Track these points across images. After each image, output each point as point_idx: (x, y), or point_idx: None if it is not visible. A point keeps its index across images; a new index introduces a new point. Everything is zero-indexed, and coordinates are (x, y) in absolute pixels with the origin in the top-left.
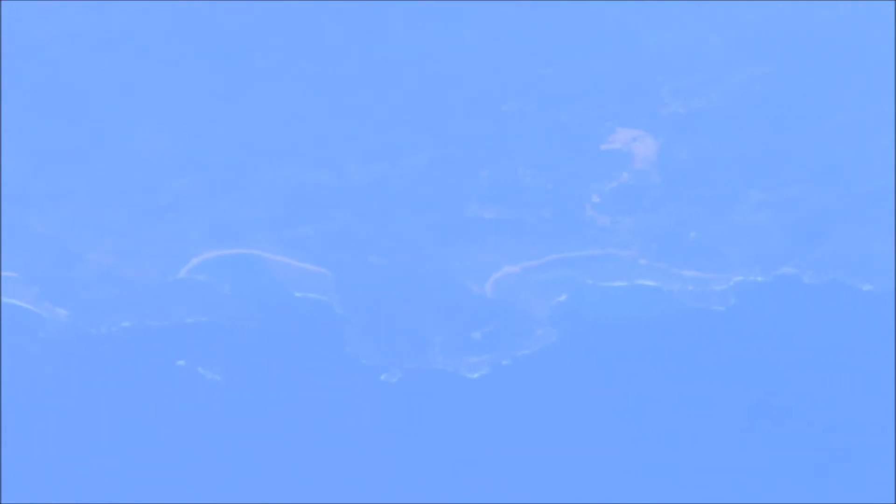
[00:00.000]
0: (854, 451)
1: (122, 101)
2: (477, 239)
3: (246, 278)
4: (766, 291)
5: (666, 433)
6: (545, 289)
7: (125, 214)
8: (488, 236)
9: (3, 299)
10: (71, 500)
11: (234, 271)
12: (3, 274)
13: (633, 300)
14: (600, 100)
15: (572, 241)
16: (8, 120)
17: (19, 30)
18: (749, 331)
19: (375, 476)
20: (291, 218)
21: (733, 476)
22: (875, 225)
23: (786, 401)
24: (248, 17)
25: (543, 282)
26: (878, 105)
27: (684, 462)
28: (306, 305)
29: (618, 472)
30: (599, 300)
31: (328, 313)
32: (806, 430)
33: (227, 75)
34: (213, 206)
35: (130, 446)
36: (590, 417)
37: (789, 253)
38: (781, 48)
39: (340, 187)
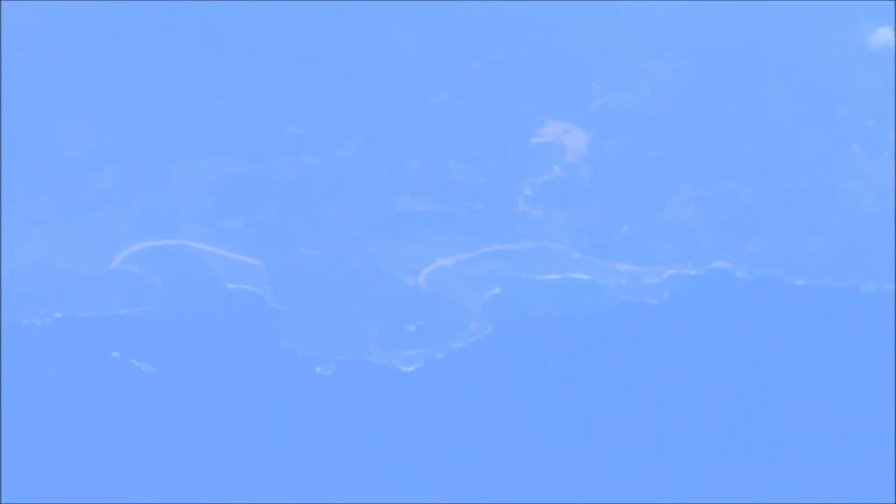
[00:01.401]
0: (785, 443)
1: (47, 95)
2: (409, 232)
3: (178, 269)
4: (699, 285)
5: (599, 425)
6: (478, 282)
7: (55, 206)
8: (420, 229)
9: None
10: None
11: (165, 262)
12: None
13: (566, 294)
14: (530, 93)
15: (505, 235)
16: None
17: None
18: (682, 324)
19: (309, 467)
20: (221, 209)
21: (663, 461)
22: (807, 220)
23: (719, 394)
24: (174, 10)
25: (476, 275)
26: (807, 101)
27: (617, 452)
28: (239, 297)
29: (551, 463)
30: (533, 293)
31: (261, 305)
32: (738, 421)
33: (154, 68)
34: (142, 197)
35: (64, 438)
36: (524, 410)
37: (722, 247)
38: (708, 43)
39: (270, 179)
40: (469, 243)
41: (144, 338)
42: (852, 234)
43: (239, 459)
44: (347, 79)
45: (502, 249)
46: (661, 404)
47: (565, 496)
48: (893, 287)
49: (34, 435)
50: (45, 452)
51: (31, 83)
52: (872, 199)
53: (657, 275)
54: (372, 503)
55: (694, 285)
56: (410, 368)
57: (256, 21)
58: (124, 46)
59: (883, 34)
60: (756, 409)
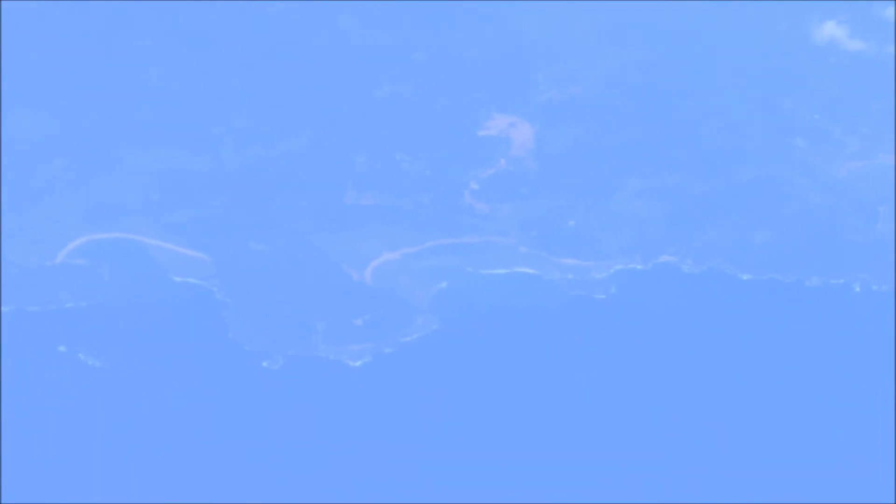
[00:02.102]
0: (735, 440)
1: None
2: (356, 225)
3: (124, 263)
4: (646, 279)
5: (547, 420)
6: (425, 276)
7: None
8: (367, 223)
9: None
10: None
11: (112, 256)
12: None
13: (513, 288)
14: (476, 85)
15: (451, 228)
16: None
17: None
18: (630, 319)
19: (257, 462)
20: (168, 202)
21: (611, 456)
22: (754, 214)
23: (666, 389)
24: (121, 1)
25: (423, 269)
26: (753, 94)
27: (564, 446)
28: (186, 291)
29: (499, 458)
30: (480, 288)
31: (209, 299)
32: (686, 418)
33: (100, 58)
34: (88, 189)
35: (10, 433)
36: (472, 405)
37: (668, 241)
38: (655, 35)
39: (216, 172)
40: (415, 237)
41: (91, 332)
42: (799, 228)
43: (186, 453)
44: (294, 71)
45: (449, 243)
46: (609, 399)
47: (513, 491)
48: (840, 282)
49: None
50: None
51: None
52: (819, 193)
53: (604, 269)
54: (319, 502)
55: (641, 280)
56: (358, 363)
57: (203, 12)
58: (71, 37)
59: (829, 28)
60: (704, 405)
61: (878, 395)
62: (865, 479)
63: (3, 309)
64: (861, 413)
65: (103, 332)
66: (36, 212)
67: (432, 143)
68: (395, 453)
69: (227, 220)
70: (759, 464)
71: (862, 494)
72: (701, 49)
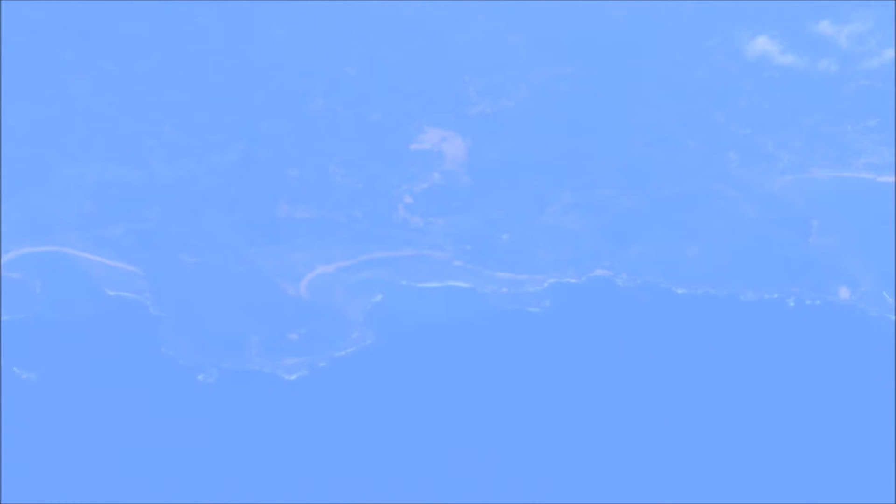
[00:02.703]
0: (671, 450)
1: None
2: (289, 239)
3: (58, 276)
4: (581, 293)
5: (481, 433)
6: (360, 289)
7: None
8: (300, 236)
9: None
10: None
11: (45, 269)
12: None
13: (448, 301)
14: (408, 99)
15: (385, 242)
16: None
17: None
18: (564, 332)
19: (192, 475)
20: (101, 215)
21: (545, 467)
22: (687, 228)
23: (601, 402)
24: (52, 13)
25: (358, 282)
26: (685, 108)
27: (498, 458)
28: (120, 304)
29: (432, 469)
30: (414, 301)
31: (142, 312)
32: (623, 429)
33: (33, 71)
34: (20, 203)
35: None
36: (407, 418)
37: (602, 255)
38: (584, 48)
39: (148, 185)
40: (349, 250)
41: (26, 345)
42: (732, 242)
43: (122, 467)
44: (225, 83)
45: (383, 257)
46: (544, 412)
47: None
48: (774, 296)
49: None
50: None
51: None
52: (752, 207)
53: (538, 283)
54: None
55: (575, 293)
56: (293, 377)
57: (135, 24)
58: (9, 47)
59: (761, 43)
60: (640, 417)
61: (812, 405)
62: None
63: None
64: (795, 423)
65: (38, 346)
66: None
67: (365, 156)
68: (330, 466)
69: (160, 233)
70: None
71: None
72: (632, 63)
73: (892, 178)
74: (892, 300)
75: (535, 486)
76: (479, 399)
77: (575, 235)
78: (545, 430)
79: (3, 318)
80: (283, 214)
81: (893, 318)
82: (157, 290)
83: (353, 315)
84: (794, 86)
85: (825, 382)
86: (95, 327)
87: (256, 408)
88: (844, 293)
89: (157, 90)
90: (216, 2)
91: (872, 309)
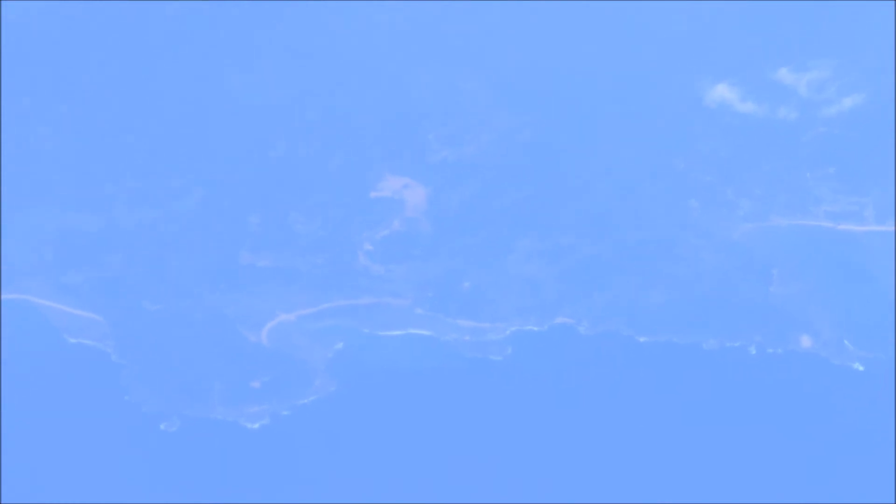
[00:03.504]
0: (635, 496)
1: None
2: (251, 286)
3: (18, 324)
4: (543, 341)
5: (444, 481)
6: (321, 337)
7: None
8: (262, 283)
9: None
10: None
11: (5, 317)
12: None
13: (409, 349)
14: (368, 146)
15: (346, 289)
16: None
17: None
18: (527, 380)
19: None
20: (61, 263)
21: None
22: (648, 276)
23: (563, 450)
24: (9, 58)
25: (319, 330)
26: (645, 155)
27: None
28: (81, 352)
29: None
30: (376, 349)
31: (104, 360)
32: (583, 475)
33: None
34: None
35: None
36: (369, 468)
37: (563, 303)
38: (544, 96)
39: (109, 232)
40: (310, 298)
41: None
42: (694, 289)
43: None
44: (184, 129)
45: (344, 305)
46: (506, 460)
47: None
48: (736, 345)
49: None
50: None
51: None
52: (713, 255)
53: (500, 331)
54: None
55: (537, 341)
56: (256, 425)
57: (95, 69)
58: None
59: (721, 90)
60: (603, 466)
61: (774, 453)
62: None
63: None
64: (758, 471)
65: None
66: None
67: (326, 203)
68: None
69: (121, 280)
70: None
71: None
72: (592, 110)
73: (852, 227)
74: (853, 348)
75: None
76: (442, 447)
77: (537, 283)
78: (508, 476)
79: None
80: (244, 261)
81: (855, 366)
82: (119, 337)
83: (314, 363)
84: (753, 133)
85: (788, 430)
86: (56, 375)
87: (219, 457)
88: (806, 342)
89: (116, 136)
90: (175, 48)
91: (835, 357)
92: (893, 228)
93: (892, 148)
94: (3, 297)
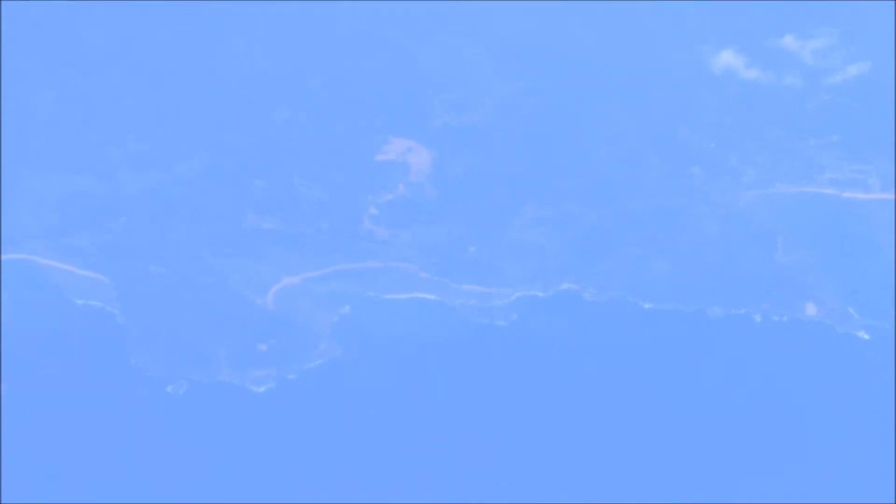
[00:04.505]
0: (638, 466)
1: None
2: (256, 250)
3: (24, 284)
4: (548, 307)
5: (451, 448)
6: (327, 301)
7: None
8: (267, 247)
9: None
10: None
11: (11, 277)
12: None
13: (415, 314)
14: (373, 110)
15: (352, 253)
16: None
17: None
18: (532, 346)
19: (162, 487)
20: (66, 225)
21: (514, 481)
22: (653, 243)
23: (569, 416)
24: (11, 22)
25: (325, 293)
26: (649, 122)
27: (469, 474)
28: (88, 313)
29: (402, 483)
30: (382, 313)
31: (111, 322)
32: (590, 441)
33: None
34: None
35: None
36: (375, 432)
37: (568, 269)
38: (548, 63)
39: (114, 195)
40: (316, 262)
41: None
42: (698, 257)
43: (89, 479)
44: (188, 94)
45: (349, 268)
46: (513, 425)
47: None
48: (741, 312)
49: None
50: None
51: None
52: (717, 223)
53: (505, 296)
54: None
55: (542, 307)
56: (262, 389)
57: (98, 34)
58: None
59: (726, 57)
60: (610, 431)
61: (779, 420)
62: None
63: None
64: (763, 438)
65: (4, 354)
66: None
67: (330, 168)
68: (299, 479)
69: (127, 243)
70: (663, 489)
71: None
72: (596, 77)
73: (856, 195)
74: (858, 317)
75: (505, 497)
76: (448, 411)
77: (541, 249)
78: (515, 442)
79: None
80: (249, 225)
81: (860, 334)
82: (125, 299)
83: (320, 327)
84: (758, 100)
85: (792, 398)
86: (63, 336)
87: (226, 420)
88: (811, 309)
89: (120, 100)
90: (179, 13)
91: (839, 325)
92: None
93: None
94: (7, 257)
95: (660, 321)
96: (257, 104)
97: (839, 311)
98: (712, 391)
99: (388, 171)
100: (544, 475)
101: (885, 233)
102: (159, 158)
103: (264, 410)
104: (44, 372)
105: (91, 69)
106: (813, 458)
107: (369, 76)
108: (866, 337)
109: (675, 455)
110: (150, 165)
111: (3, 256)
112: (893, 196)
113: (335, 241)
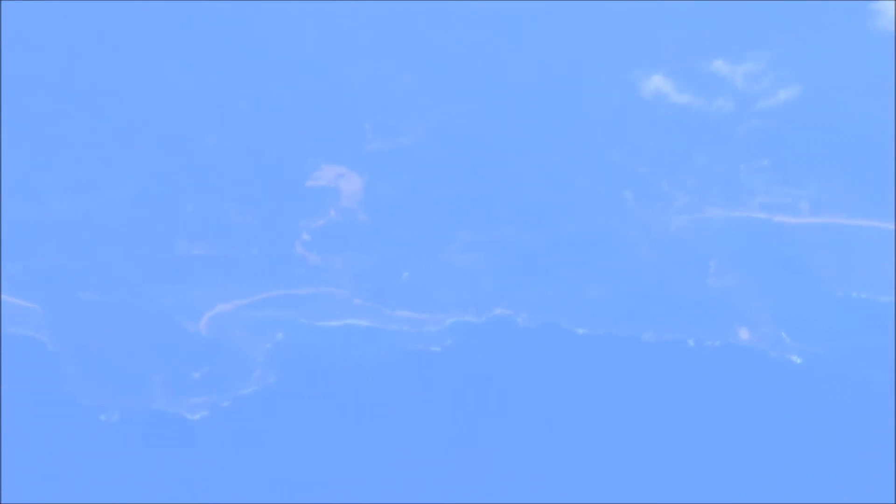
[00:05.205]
0: (574, 488)
1: None
2: (188, 276)
3: None
4: (482, 333)
5: (385, 473)
6: (260, 327)
7: None
8: (199, 273)
9: None
10: None
11: None
12: None
13: (349, 340)
14: (302, 135)
15: (284, 279)
16: None
17: None
18: (467, 372)
19: None
20: None
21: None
22: (586, 267)
23: (501, 442)
24: None
25: (258, 320)
26: (580, 146)
27: (407, 498)
28: (18, 342)
29: None
30: (316, 339)
31: (41, 351)
32: (522, 467)
33: None
34: None
35: None
36: (310, 460)
37: (501, 295)
38: (480, 87)
39: (43, 221)
40: (248, 288)
41: None
42: (631, 282)
43: None
44: (117, 118)
45: (282, 294)
46: (447, 451)
47: None
48: (675, 337)
49: None
50: None
51: None
52: (649, 248)
53: (439, 322)
54: None
55: (476, 333)
56: (197, 417)
57: (27, 59)
58: None
59: (656, 81)
60: (540, 456)
61: (712, 446)
62: None
63: None
64: (700, 468)
65: None
66: None
67: (262, 193)
68: None
69: (57, 270)
70: None
71: None
72: (527, 101)
73: (787, 218)
74: (791, 341)
75: None
76: (382, 437)
77: (474, 275)
78: (449, 468)
79: None
80: (180, 251)
81: (793, 359)
82: (56, 327)
83: (254, 354)
84: (688, 125)
85: (726, 423)
86: None
87: (161, 448)
88: (744, 334)
89: (50, 125)
90: (109, 38)
91: (772, 350)
92: (829, 220)
93: (827, 141)
94: None
95: (593, 346)
96: (187, 129)
97: (772, 335)
98: (647, 416)
99: (320, 196)
100: (479, 499)
101: (817, 257)
102: (89, 183)
103: (199, 438)
104: None
105: (18, 94)
106: (745, 485)
107: (299, 100)
108: (799, 361)
109: (609, 480)
110: (80, 190)
111: None
112: (826, 220)
113: (267, 267)
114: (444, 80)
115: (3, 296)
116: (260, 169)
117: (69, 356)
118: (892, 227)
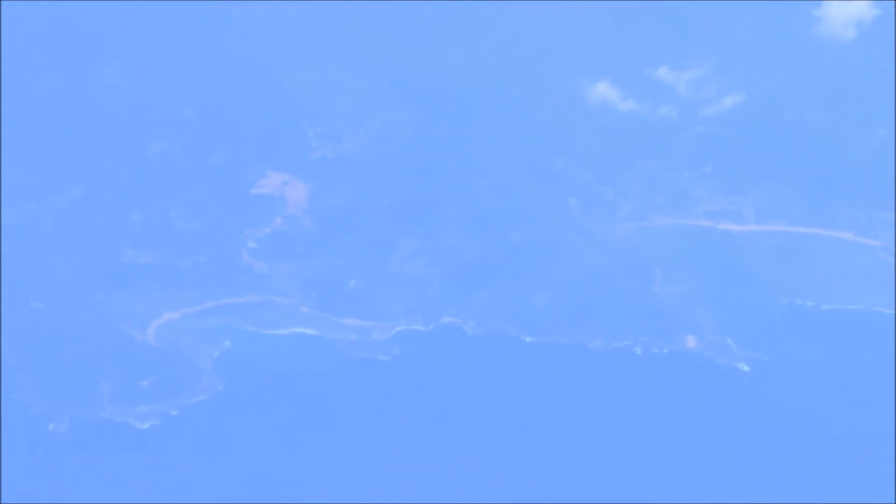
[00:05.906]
0: (523, 494)
1: None
2: (134, 284)
3: None
4: (429, 341)
5: (334, 481)
6: (208, 336)
7: None
8: (146, 281)
9: None
10: None
11: None
12: None
13: (296, 348)
14: (247, 143)
15: (231, 287)
16: None
17: None
18: (415, 380)
19: None
20: None
21: None
22: (532, 276)
23: (448, 450)
24: None
25: (205, 328)
26: (524, 153)
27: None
28: None
29: None
30: (263, 348)
31: None
32: (470, 475)
33: None
34: None
35: None
36: (258, 469)
37: (449, 302)
38: (424, 93)
39: None
40: (195, 296)
41: None
42: (577, 290)
43: None
44: (64, 125)
45: (229, 303)
46: (394, 460)
47: None
48: (622, 345)
49: None
50: None
51: None
52: (595, 255)
53: (386, 330)
54: None
55: (424, 341)
56: (146, 425)
57: None
58: None
59: (601, 89)
60: (488, 465)
61: (659, 453)
62: None
63: None
64: (648, 474)
65: None
66: None
67: (207, 201)
68: None
69: (4, 277)
70: None
71: None
72: (472, 107)
73: (731, 226)
74: (737, 348)
75: None
76: (330, 446)
77: (421, 282)
78: (397, 476)
79: None
80: (127, 259)
81: (739, 366)
82: (4, 335)
83: (202, 362)
84: (633, 132)
85: (674, 431)
86: None
87: (110, 457)
88: (691, 342)
89: None
90: (53, 42)
91: (719, 357)
92: (773, 228)
93: (770, 148)
94: None
95: (541, 354)
96: (132, 135)
97: (718, 342)
98: (595, 423)
99: (266, 204)
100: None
101: (761, 264)
102: (34, 191)
103: (148, 447)
104: None
105: None
106: (691, 489)
107: (243, 107)
108: (746, 368)
109: (556, 486)
110: (25, 198)
111: None
112: (770, 227)
113: (214, 276)
114: (387, 87)
115: None
116: (205, 176)
117: (17, 364)
118: (836, 233)
